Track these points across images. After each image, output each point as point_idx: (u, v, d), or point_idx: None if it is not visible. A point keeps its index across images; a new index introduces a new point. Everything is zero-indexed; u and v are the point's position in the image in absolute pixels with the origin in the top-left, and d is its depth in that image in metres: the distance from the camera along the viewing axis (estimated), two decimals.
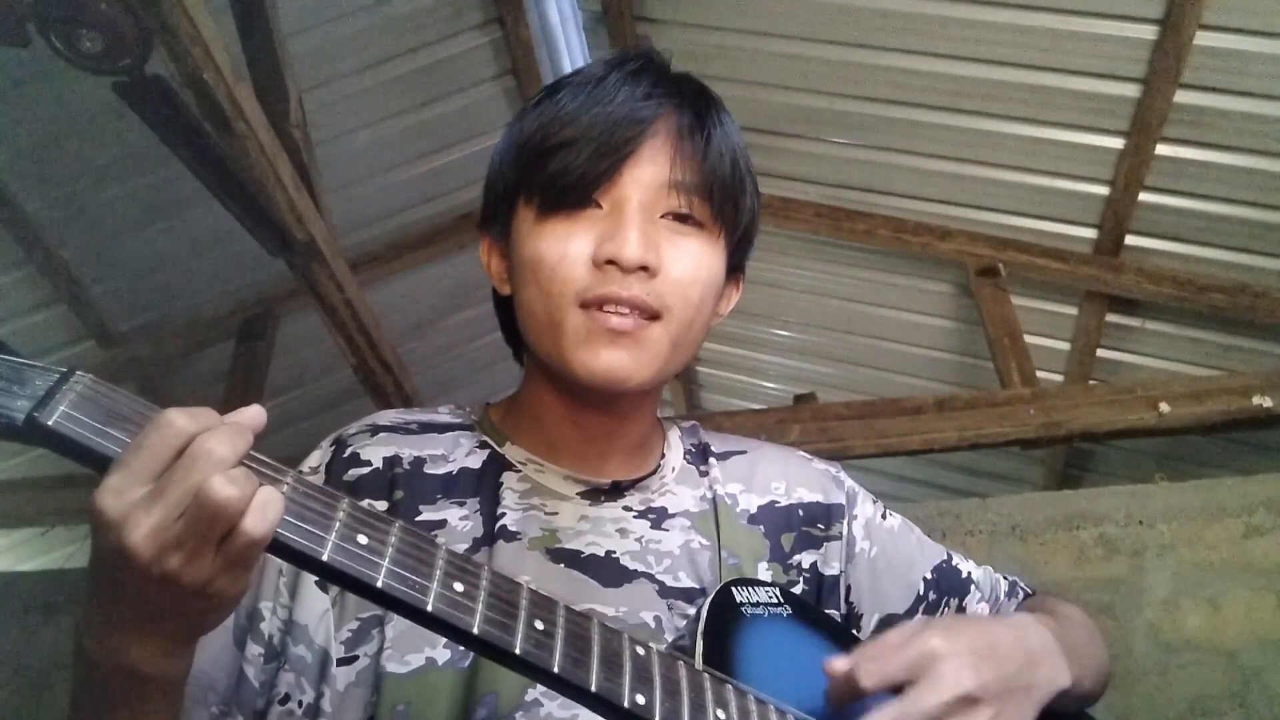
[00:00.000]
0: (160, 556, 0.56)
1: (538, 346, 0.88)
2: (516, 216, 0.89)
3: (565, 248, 0.84)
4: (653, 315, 0.84)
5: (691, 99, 0.90)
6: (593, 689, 0.65)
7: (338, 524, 0.61)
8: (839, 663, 0.74)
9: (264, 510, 0.58)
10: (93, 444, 0.58)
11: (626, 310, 0.82)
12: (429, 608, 0.61)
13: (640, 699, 0.66)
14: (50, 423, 0.57)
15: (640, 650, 0.69)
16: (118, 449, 0.58)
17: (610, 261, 0.82)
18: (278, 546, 0.60)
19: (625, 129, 0.85)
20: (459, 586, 0.63)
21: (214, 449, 0.57)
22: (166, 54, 1.85)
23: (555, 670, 0.64)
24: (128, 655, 0.61)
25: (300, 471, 0.80)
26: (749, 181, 0.93)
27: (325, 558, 0.60)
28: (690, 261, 0.86)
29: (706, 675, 0.73)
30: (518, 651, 0.63)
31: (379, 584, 0.61)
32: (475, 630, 0.62)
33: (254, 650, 0.80)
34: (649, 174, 0.86)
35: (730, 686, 0.74)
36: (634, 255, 0.82)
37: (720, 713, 0.71)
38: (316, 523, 0.61)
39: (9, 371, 0.58)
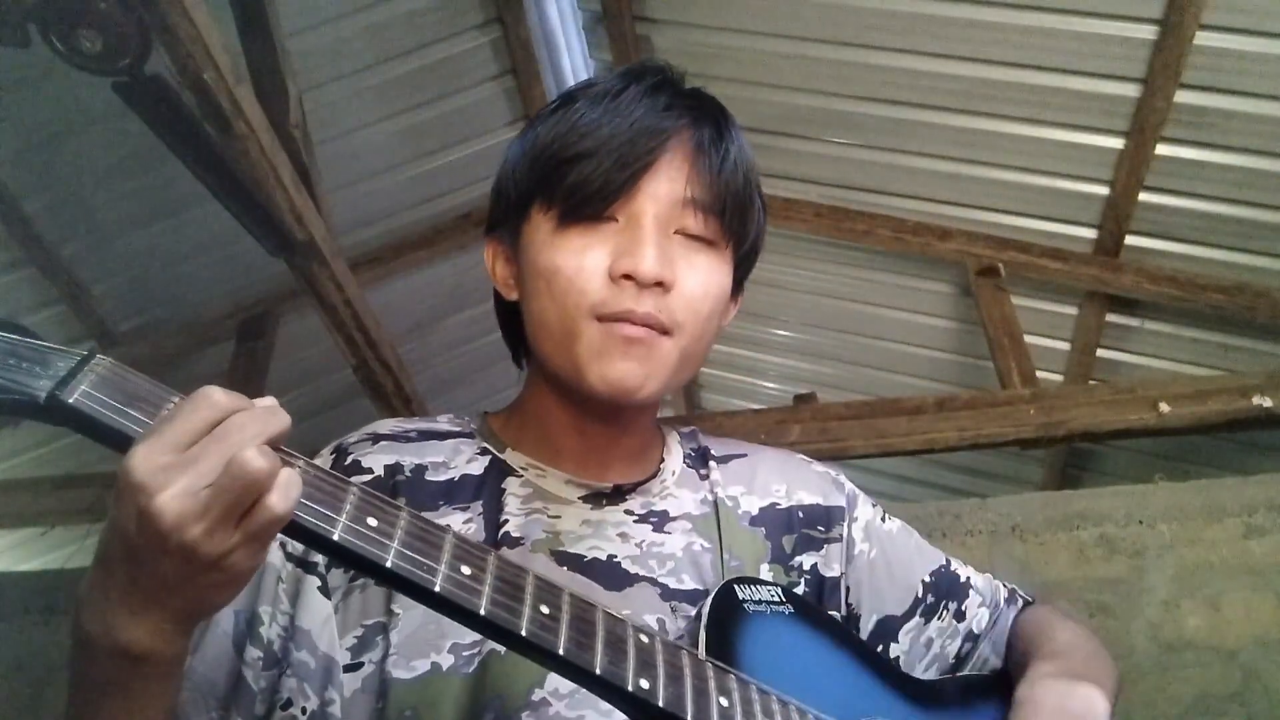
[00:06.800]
0: (182, 523, 0.57)
1: (549, 355, 0.89)
2: (529, 224, 0.90)
3: (581, 260, 0.85)
4: (664, 330, 0.86)
5: (709, 114, 0.91)
6: (597, 671, 0.66)
7: (348, 506, 0.62)
8: None
9: (287, 488, 0.59)
10: (112, 422, 0.60)
11: (640, 325, 0.84)
12: (437, 588, 0.62)
13: (644, 683, 0.67)
14: (71, 400, 0.59)
15: (644, 638, 0.70)
16: (137, 428, 0.59)
17: (627, 276, 0.84)
18: (292, 526, 0.61)
19: (645, 140, 0.86)
20: (466, 570, 0.64)
21: (248, 424, 0.59)
22: (166, 54, 1.85)
23: (560, 652, 0.65)
24: (126, 632, 0.61)
25: None
26: (758, 198, 0.94)
27: (336, 537, 0.61)
28: (702, 278, 0.88)
29: (709, 664, 0.74)
30: (524, 633, 0.64)
31: (388, 564, 0.62)
32: (482, 611, 0.63)
33: (253, 654, 0.80)
34: (665, 189, 0.87)
35: (733, 676, 0.74)
36: (651, 271, 0.84)
37: (723, 700, 0.71)
38: (328, 504, 0.62)
39: (31, 353, 0.60)
